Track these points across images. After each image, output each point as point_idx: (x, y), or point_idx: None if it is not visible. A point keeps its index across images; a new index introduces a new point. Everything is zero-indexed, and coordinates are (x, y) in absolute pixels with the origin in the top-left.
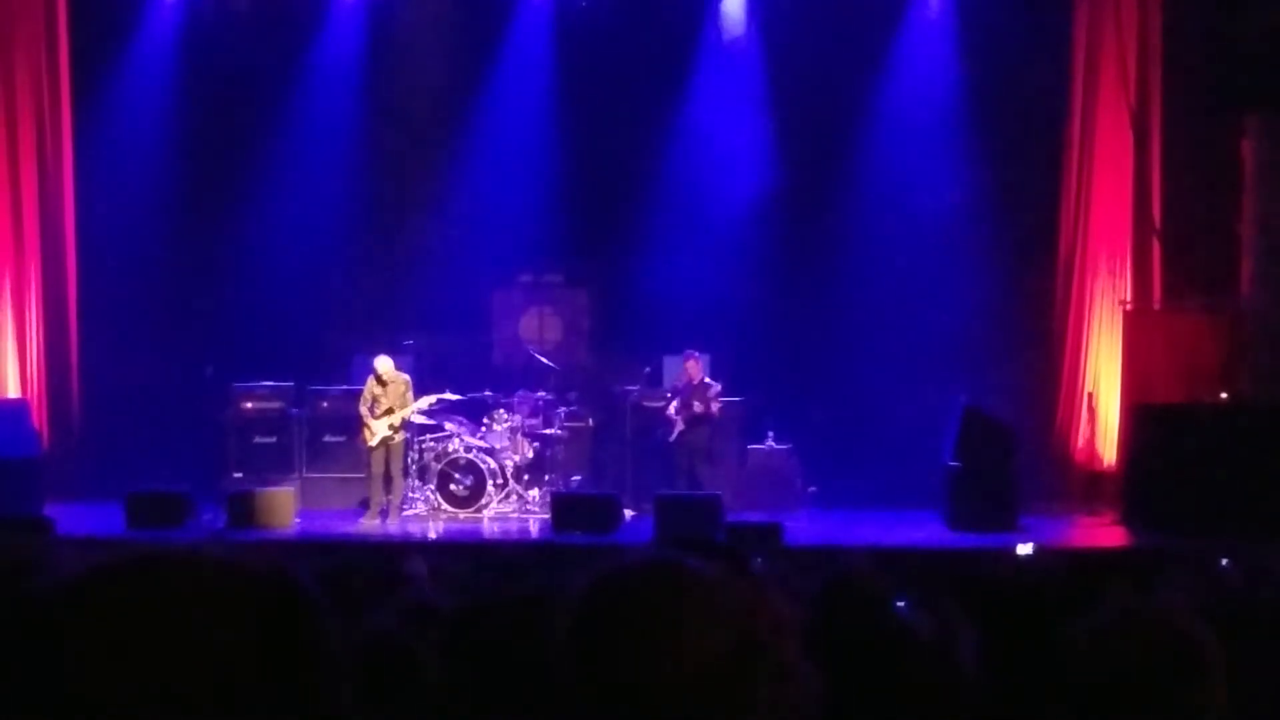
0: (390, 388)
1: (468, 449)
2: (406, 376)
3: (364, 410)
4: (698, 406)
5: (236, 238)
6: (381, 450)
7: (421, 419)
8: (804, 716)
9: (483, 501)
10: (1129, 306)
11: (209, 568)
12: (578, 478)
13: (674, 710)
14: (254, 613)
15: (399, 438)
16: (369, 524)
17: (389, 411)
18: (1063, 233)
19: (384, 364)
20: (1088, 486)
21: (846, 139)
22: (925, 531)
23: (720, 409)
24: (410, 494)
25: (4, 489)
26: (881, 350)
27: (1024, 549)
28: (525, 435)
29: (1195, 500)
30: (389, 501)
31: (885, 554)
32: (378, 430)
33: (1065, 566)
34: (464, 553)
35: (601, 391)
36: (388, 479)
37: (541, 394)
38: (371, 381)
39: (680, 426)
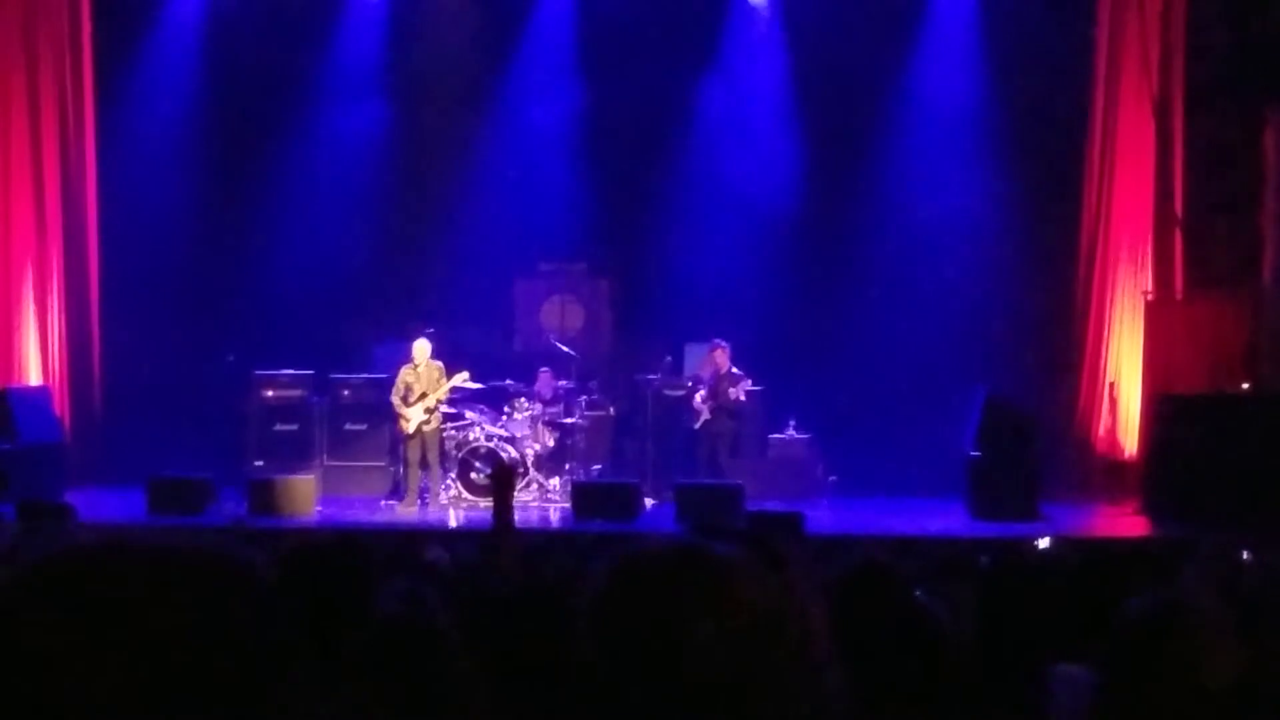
0: (424, 373)
1: (488, 438)
2: (440, 363)
3: (396, 400)
4: (727, 395)
5: (258, 226)
6: (418, 438)
7: (446, 408)
8: (831, 705)
9: None
10: (1151, 296)
11: (147, 555)
12: (598, 466)
13: (698, 695)
14: (193, 598)
15: (434, 422)
16: (405, 510)
17: (423, 396)
18: (1084, 222)
19: (421, 347)
20: (1109, 476)
21: (870, 128)
22: (946, 521)
23: (746, 398)
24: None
25: (26, 475)
26: (903, 339)
27: (1043, 542)
28: (546, 424)
29: (1217, 490)
30: (426, 488)
31: (906, 543)
32: (413, 417)
33: (1084, 557)
34: (485, 541)
35: (623, 380)
36: (424, 466)
37: (563, 382)
38: (406, 369)
39: (706, 415)
